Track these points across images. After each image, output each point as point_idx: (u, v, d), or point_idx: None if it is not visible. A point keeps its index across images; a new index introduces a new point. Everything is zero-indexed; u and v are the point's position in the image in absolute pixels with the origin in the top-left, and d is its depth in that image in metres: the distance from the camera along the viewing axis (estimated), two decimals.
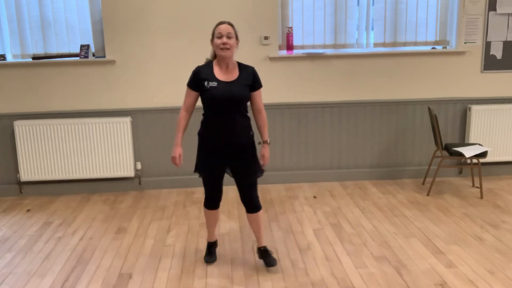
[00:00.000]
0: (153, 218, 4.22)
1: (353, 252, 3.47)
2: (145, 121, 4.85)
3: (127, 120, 4.75)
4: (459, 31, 4.89)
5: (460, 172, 5.20)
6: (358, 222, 4.02)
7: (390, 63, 4.93)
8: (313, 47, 4.94)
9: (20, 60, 4.76)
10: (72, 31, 4.75)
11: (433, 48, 4.98)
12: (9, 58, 4.77)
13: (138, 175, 4.96)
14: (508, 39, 4.93)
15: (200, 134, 3.15)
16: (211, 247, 3.43)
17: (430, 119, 4.77)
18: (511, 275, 3.10)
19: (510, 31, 4.91)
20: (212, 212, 3.30)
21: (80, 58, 4.69)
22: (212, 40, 3.03)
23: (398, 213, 4.18)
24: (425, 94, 5.01)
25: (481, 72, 5.00)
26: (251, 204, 3.18)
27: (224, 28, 2.97)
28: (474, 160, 4.81)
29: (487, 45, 4.93)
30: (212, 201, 3.25)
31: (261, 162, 3.17)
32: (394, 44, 4.99)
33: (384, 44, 4.98)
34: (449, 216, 4.10)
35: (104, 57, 4.74)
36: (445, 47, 4.98)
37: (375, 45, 4.98)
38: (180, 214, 4.29)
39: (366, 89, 4.96)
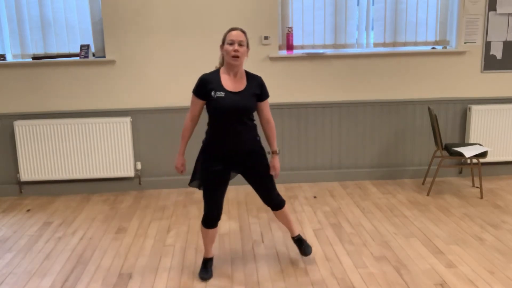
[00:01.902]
0: (153, 218, 4.22)
1: (353, 252, 3.47)
2: (145, 121, 4.85)
3: (127, 120, 4.75)
4: (459, 31, 4.89)
5: (460, 172, 5.20)
6: (358, 222, 4.02)
7: (390, 63, 4.93)
8: (313, 47, 4.94)
9: (20, 60, 4.76)
10: (72, 31, 4.75)
11: (433, 48, 4.98)
12: (9, 58, 4.77)
13: (138, 175, 4.96)
14: (508, 39, 4.93)
15: (205, 142, 3.04)
16: (207, 262, 3.24)
17: (430, 119, 4.77)
18: (511, 275, 3.10)
19: (510, 31, 4.91)
20: (210, 231, 3.11)
21: (80, 58, 4.69)
22: (222, 46, 2.92)
23: (398, 213, 4.18)
24: (425, 94, 5.01)
25: (481, 72, 4.99)
26: (273, 203, 3.17)
27: (236, 34, 2.87)
28: (474, 160, 4.81)
29: (487, 45, 4.93)
30: (212, 218, 3.04)
31: (272, 173, 3.09)
32: (394, 44, 4.99)
33: (384, 44, 4.98)
34: (449, 216, 4.10)
35: (104, 57, 4.74)
36: (445, 47, 4.98)
37: (375, 45, 4.98)
38: (180, 214, 4.29)
39: (366, 89, 4.96)
